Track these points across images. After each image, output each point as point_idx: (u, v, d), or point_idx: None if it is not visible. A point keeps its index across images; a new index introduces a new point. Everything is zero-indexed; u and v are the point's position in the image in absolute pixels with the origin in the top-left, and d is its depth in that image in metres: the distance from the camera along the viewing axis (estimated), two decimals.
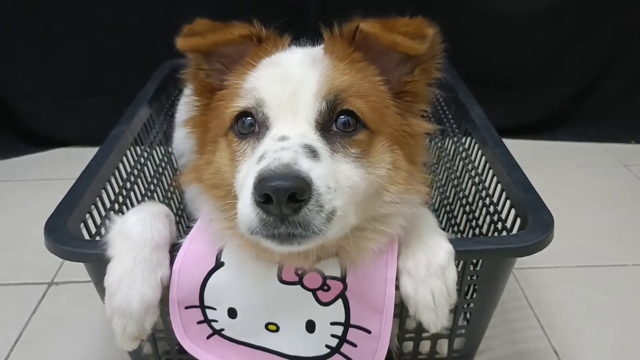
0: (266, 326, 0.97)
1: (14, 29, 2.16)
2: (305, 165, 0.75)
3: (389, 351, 1.15)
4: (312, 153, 0.78)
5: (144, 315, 0.92)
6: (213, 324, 0.97)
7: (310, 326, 0.96)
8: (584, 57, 2.30)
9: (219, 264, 0.94)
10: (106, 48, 2.21)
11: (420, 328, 1.02)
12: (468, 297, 1.10)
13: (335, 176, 0.79)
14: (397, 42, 0.84)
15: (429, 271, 0.91)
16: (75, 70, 2.26)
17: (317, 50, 0.94)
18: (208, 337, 0.98)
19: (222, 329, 0.98)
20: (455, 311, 1.08)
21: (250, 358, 0.99)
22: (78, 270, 1.03)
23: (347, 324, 0.95)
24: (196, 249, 0.96)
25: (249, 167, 0.81)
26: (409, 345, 1.15)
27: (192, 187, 0.99)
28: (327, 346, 0.97)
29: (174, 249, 0.97)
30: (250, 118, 0.86)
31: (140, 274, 0.91)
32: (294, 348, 0.98)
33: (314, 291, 0.93)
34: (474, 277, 1.05)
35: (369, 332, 0.95)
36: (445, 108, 1.70)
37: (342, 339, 0.96)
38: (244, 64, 0.92)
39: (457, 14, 2.15)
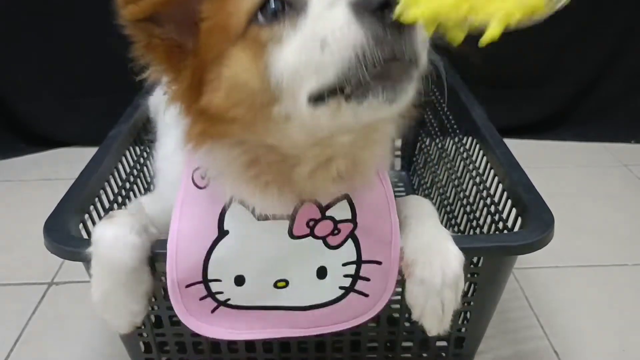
0: (275, 284, 0.93)
1: (14, 28, 2.16)
2: None
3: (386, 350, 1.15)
4: None
5: (134, 318, 0.96)
6: (218, 296, 0.93)
7: (322, 272, 0.93)
8: (584, 57, 2.30)
9: (222, 233, 0.90)
10: (106, 48, 2.19)
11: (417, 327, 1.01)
12: (468, 296, 1.10)
13: None
14: None
15: (445, 282, 0.90)
16: (75, 70, 2.26)
17: None
18: (213, 311, 0.95)
19: (228, 299, 0.94)
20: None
21: (261, 321, 0.96)
22: (78, 270, 1.02)
23: (359, 261, 0.93)
24: (190, 224, 0.91)
25: (316, 18, 0.68)
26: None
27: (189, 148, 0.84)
28: (340, 287, 0.95)
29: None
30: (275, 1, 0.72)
31: (123, 295, 0.92)
32: (306, 298, 0.95)
33: (324, 238, 0.91)
34: (474, 276, 1.05)
35: (379, 263, 0.94)
36: (445, 108, 1.70)
37: (356, 277, 0.94)
38: None
39: None
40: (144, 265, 0.93)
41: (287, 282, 0.94)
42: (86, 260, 0.93)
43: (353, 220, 0.91)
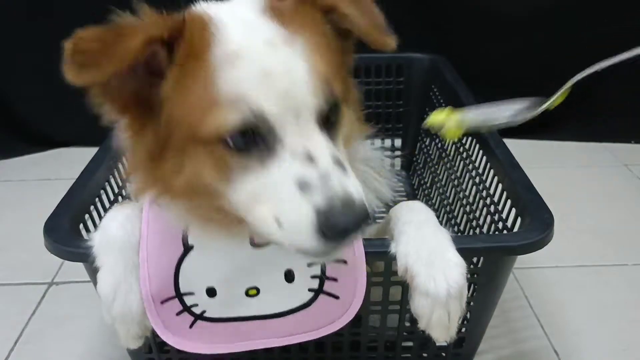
0: (246, 292, 0.95)
1: (14, 28, 2.16)
2: (355, 188, 0.73)
3: (386, 350, 1.15)
4: (343, 167, 0.74)
5: (144, 318, 0.93)
6: (193, 309, 0.95)
7: (289, 276, 0.95)
8: (584, 57, 2.30)
9: (187, 248, 0.92)
10: None
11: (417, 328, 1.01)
12: (468, 296, 1.10)
13: None
14: (388, 44, 0.83)
15: (450, 294, 0.90)
16: None
17: (266, 23, 0.77)
18: (191, 326, 0.96)
19: (204, 311, 0.95)
20: None
21: (239, 333, 0.98)
22: (78, 270, 1.03)
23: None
24: (157, 240, 0.92)
25: (283, 194, 0.73)
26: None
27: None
28: (310, 290, 0.96)
29: None
30: (249, 131, 0.73)
31: (135, 279, 0.91)
32: (278, 304, 0.96)
33: None
34: (474, 276, 1.05)
35: (345, 262, 0.95)
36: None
37: (323, 277, 0.95)
38: (182, 61, 0.74)
39: (457, 13, 2.15)
40: None
41: (257, 290, 0.95)
42: (87, 261, 0.93)
43: None
